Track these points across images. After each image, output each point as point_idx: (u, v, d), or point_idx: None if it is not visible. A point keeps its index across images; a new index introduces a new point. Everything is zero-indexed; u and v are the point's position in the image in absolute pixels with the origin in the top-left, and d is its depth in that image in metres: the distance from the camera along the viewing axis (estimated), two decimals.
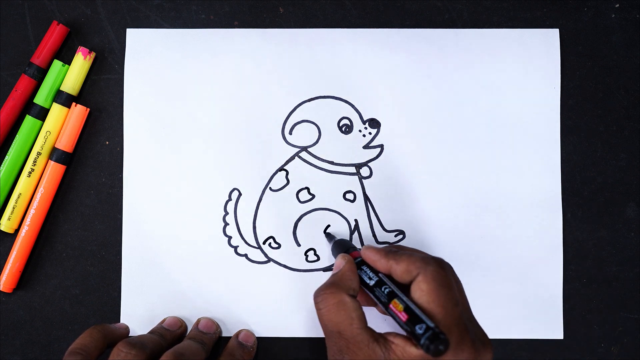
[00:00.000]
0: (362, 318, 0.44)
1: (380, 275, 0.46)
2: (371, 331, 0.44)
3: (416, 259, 0.44)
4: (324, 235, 0.54)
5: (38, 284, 0.54)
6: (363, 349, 0.43)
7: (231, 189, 0.55)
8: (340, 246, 0.51)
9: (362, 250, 0.48)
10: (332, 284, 0.46)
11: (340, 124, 0.55)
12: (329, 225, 0.54)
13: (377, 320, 0.52)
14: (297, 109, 0.55)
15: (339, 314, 0.44)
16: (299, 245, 0.54)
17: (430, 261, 0.44)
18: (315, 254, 0.54)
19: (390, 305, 0.43)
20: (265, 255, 0.54)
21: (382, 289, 0.45)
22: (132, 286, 0.54)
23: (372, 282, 0.46)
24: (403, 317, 0.42)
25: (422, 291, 0.43)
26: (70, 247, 0.55)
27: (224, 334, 0.54)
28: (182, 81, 0.55)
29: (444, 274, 0.43)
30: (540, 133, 0.55)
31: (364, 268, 0.47)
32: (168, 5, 0.55)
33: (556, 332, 0.54)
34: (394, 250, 0.47)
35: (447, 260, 0.50)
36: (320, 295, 0.45)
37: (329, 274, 0.54)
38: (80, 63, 0.54)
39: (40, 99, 0.54)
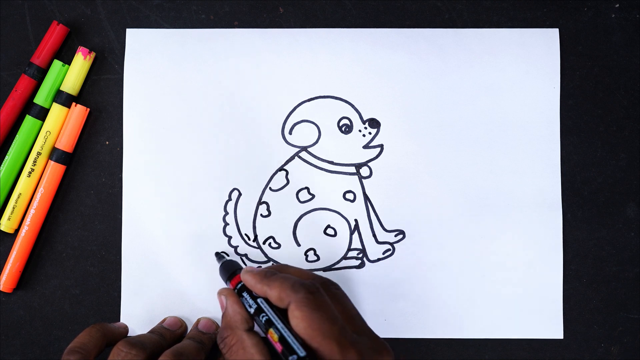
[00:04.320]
0: (263, 351, 0.43)
1: (259, 301, 0.45)
2: None
3: (287, 286, 0.43)
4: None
5: (38, 284, 0.54)
6: None
7: (231, 189, 0.55)
8: (225, 270, 0.49)
9: (242, 274, 0.47)
10: (225, 326, 0.46)
11: (340, 124, 0.55)
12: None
13: (376, 323, 0.52)
14: (297, 109, 0.55)
15: (239, 353, 0.44)
16: (299, 245, 0.54)
17: (299, 289, 0.43)
18: (315, 254, 0.54)
19: (268, 335, 0.43)
20: (265, 255, 0.54)
21: (261, 317, 0.44)
22: (132, 286, 0.54)
23: (252, 310, 0.45)
24: (279, 347, 0.42)
25: (297, 318, 0.42)
26: (70, 247, 0.55)
27: None
28: (182, 81, 0.55)
29: (313, 298, 0.42)
30: (540, 133, 0.55)
31: (245, 295, 0.46)
32: (168, 5, 0.55)
33: (556, 332, 0.54)
34: (271, 272, 0.45)
35: (446, 259, 0.50)
36: (220, 342, 0.46)
37: (328, 274, 0.54)
38: (80, 63, 0.54)
39: (40, 99, 0.54)
